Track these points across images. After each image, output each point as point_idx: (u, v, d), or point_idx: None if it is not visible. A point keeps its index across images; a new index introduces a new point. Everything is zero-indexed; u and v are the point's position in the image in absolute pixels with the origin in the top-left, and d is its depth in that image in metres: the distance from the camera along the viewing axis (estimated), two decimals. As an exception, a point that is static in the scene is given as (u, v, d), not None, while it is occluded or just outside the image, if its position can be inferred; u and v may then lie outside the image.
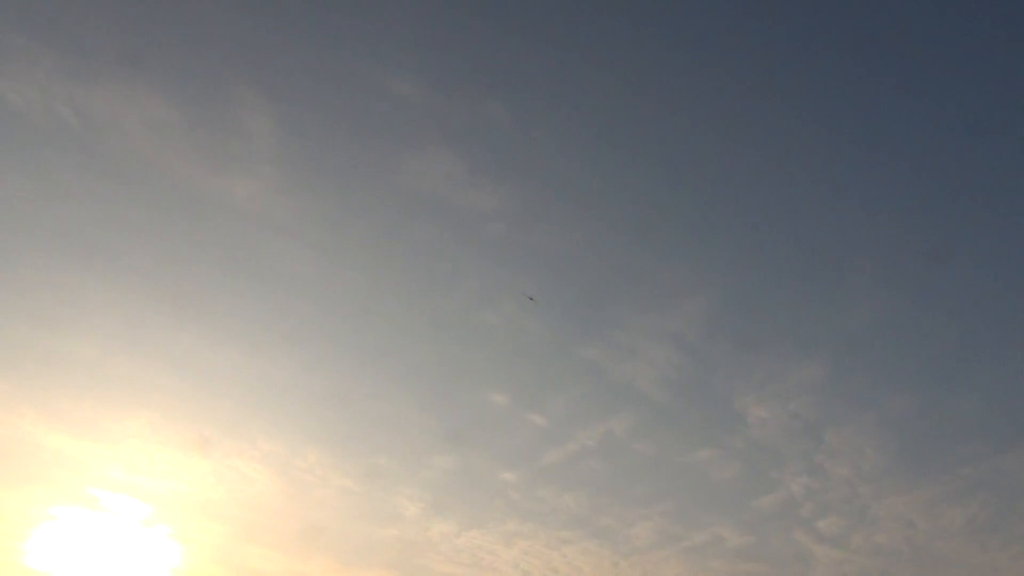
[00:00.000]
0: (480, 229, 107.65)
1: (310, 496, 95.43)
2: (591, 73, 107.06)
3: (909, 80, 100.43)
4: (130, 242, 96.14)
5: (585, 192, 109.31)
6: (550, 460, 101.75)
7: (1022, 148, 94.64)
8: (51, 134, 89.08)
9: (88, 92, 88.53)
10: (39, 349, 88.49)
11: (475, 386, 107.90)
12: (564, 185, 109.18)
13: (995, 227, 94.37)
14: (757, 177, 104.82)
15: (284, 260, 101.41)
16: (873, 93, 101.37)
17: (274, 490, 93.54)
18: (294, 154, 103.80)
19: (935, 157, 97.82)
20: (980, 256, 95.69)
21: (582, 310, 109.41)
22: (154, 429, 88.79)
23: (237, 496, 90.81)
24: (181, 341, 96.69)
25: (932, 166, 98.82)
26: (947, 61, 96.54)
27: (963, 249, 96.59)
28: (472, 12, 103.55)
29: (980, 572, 77.43)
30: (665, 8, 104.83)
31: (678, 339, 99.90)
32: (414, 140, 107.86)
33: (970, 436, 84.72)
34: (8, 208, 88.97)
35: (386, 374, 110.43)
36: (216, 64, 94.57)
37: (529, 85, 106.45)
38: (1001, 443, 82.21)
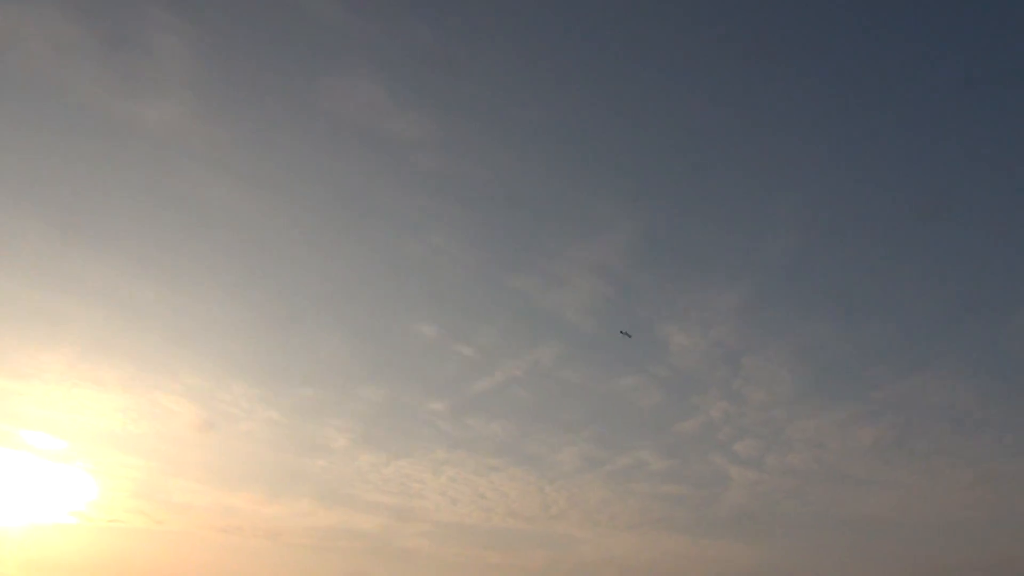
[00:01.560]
0: (406, 158, 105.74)
1: (235, 429, 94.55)
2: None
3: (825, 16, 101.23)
4: (37, 169, 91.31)
5: (514, 122, 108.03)
6: (478, 389, 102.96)
7: (930, 89, 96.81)
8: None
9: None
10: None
11: (403, 317, 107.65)
12: (493, 115, 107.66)
13: (905, 165, 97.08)
14: (681, 110, 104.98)
15: (202, 188, 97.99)
16: (795, 24, 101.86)
17: (198, 423, 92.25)
18: (209, 77, 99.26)
19: (853, 88, 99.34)
20: (889, 193, 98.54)
21: (511, 240, 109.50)
22: (70, 364, 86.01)
23: (159, 430, 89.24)
24: (97, 273, 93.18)
25: (849, 97, 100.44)
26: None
27: (875, 185, 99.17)
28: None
29: (885, 488, 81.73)
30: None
31: (604, 269, 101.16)
32: (335, 64, 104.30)
33: (878, 361, 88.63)
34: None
35: (312, 306, 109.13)
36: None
37: (454, 4, 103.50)
38: (906, 367, 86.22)
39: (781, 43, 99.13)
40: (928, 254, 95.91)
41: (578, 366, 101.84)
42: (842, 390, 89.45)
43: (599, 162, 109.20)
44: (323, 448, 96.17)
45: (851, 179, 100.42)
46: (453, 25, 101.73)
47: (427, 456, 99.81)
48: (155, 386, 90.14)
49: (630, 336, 77.67)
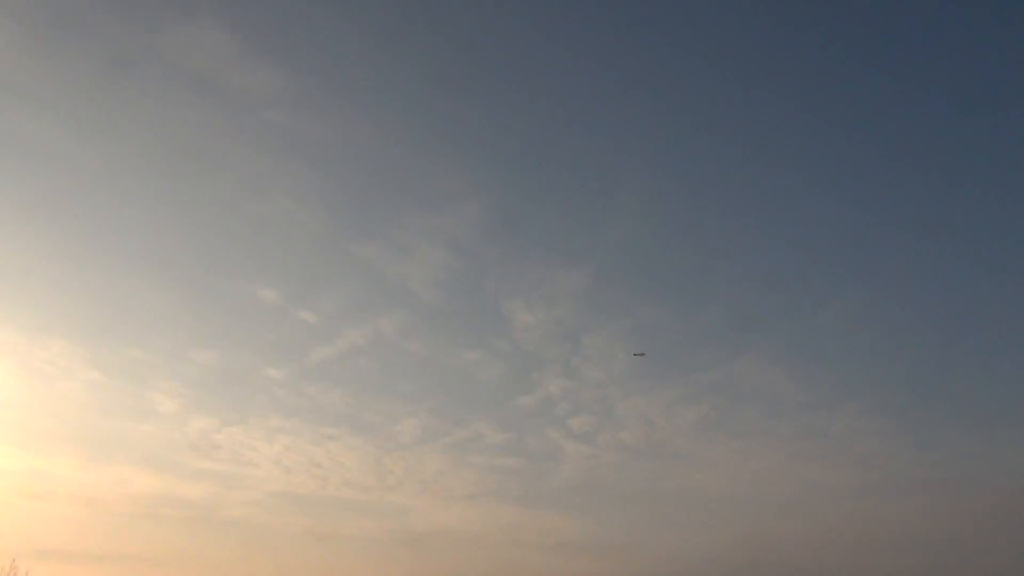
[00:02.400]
0: (254, 114, 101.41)
1: (53, 389, 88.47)
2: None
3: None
4: None
5: (369, 85, 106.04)
6: (318, 357, 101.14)
7: (765, 81, 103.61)
8: None
9: None
10: None
11: (242, 280, 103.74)
12: (350, 77, 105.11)
13: (738, 160, 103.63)
14: (534, 88, 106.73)
15: (26, 127, 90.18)
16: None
17: (11, 382, 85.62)
18: (41, 9, 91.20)
19: (696, 82, 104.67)
20: (726, 186, 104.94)
21: (360, 207, 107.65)
22: None
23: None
24: None
25: (692, 90, 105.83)
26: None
27: (713, 177, 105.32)
28: None
29: (706, 464, 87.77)
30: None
31: (453, 241, 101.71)
32: (182, 9, 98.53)
33: (706, 345, 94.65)
34: None
35: (143, 262, 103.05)
36: None
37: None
38: (730, 352, 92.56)
39: (632, 34, 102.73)
40: (753, 249, 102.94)
41: (422, 338, 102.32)
42: (672, 371, 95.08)
43: (454, 136, 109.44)
44: (150, 412, 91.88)
45: (691, 172, 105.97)
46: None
47: (261, 423, 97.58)
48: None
49: (643, 355, 78.91)
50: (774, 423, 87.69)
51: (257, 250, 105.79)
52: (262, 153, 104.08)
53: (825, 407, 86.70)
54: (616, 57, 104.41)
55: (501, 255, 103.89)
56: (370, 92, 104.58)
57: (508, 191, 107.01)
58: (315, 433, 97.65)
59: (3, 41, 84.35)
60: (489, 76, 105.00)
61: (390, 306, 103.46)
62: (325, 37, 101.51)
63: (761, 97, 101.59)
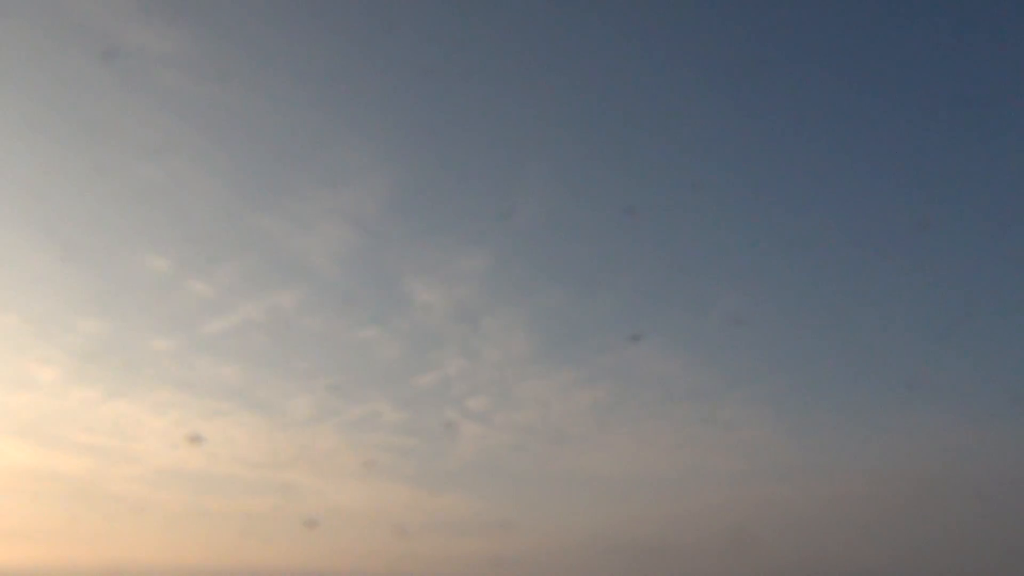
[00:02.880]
0: (148, 73, 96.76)
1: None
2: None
3: None
4: None
5: (274, 51, 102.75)
6: (211, 330, 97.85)
7: (671, 74, 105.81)
8: None
9: None
10: None
11: (131, 245, 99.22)
12: (251, 39, 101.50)
13: (647, 147, 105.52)
14: (444, 66, 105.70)
15: None
16: None
17: None
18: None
19: (607, 65, 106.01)
20: (628, 173, 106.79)
21: (259, 176, 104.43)
22: None
23: None
24: None
25: (604, 73, 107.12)
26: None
27: (615, 164, 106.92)
28: None
29: (599, 446, 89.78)
30: None
31: (355, 216, 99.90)
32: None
33: (604, 329, 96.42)
34: None
35: (22, 221, 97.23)
36: None
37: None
38: (627, 337, 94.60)
39: (545, 13, 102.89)
40: (655, 235, 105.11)
41: (320, 314, 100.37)
42: (570, 354, 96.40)
43: (361, 109, 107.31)
44: (26, 382, 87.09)
45: (596, 160, 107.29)
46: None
47: (148, 396, 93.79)
48: None
49: (639, 338, 77.79)
50: (665, 408, 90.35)
51: (147, 215, 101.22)
52: (155, 114, 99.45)
53: (713, 395, 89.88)
54: (530, 38, 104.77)
55: (404, 233, 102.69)
56: (275, 59, 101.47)
57: (414, 168, 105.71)
58: (204, 408, 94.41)
59: None
60: (398, 49, 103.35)
61: (288, 281, 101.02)
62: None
63: (668, 86, 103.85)
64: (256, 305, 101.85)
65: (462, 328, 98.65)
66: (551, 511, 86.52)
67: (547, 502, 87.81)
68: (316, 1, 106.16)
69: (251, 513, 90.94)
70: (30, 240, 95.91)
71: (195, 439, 79.81)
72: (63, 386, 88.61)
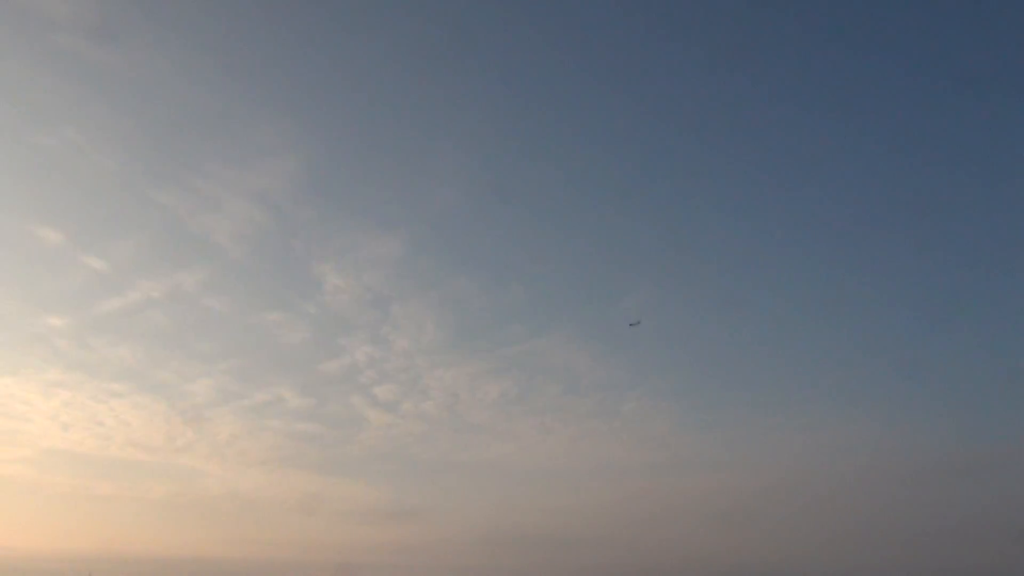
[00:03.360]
0: (43, 36, 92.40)
1: None
2: None
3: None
4: None
5: (179, 11, 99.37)
6: (107, 308, 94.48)
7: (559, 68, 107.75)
8: None
9: None
10: None
11: (22, 216, 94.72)
12: (158, 7, 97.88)
13: (564, 141, 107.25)
14: (361, 52, 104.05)
15: None
16: None
17: None
18: None
19: (516, 63, 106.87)
20: (543, 165, 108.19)
21: (162, 149, 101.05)
22: None
23: None
24: None
25: (512, 70, 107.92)
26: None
27: (532, 161, 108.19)
28: None
29: (505, 436, 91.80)
30: None
31: (265, 197, 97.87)
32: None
33: (513, 321, 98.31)
34: None
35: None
36: None
37: None
38: (535, 330, 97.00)
39: (464, 6, 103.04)
40: (567, 230, 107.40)
41: (224, 295, 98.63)
42: (479, 345, 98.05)
43: (274, 87, 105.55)
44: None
45: (510, 153, 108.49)
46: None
47: (37, 376, 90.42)
48: None
49: (639, 323, 77.75)
50: (571, 401, 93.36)
51: (39, 185, 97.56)
52: (55, 79, 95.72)
53: (617, 389, 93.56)
54: (450, 28, 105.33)
55: (315, 216, 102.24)
56: (182, 24, 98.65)
57: (327, 152, 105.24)
58: (99, 389, 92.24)
59: None
60: (317, 26, 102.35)
61: (190, 259, 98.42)
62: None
63: (589, 80, 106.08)
64: (156, 284, 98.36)
65: (372, 315, 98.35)
66: (456, 500, 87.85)
67: (452, 491, 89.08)
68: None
69: (147, 498, 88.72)
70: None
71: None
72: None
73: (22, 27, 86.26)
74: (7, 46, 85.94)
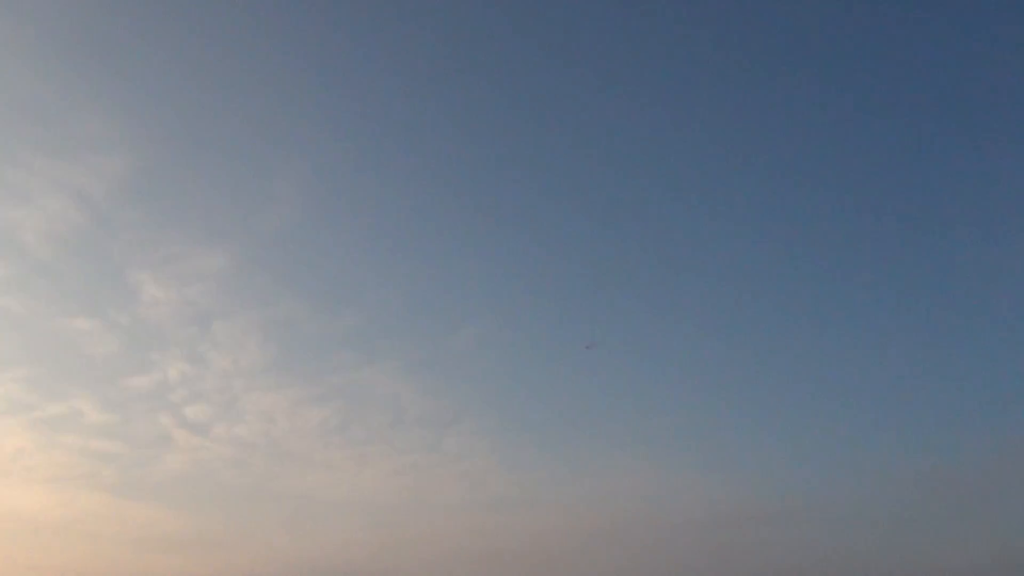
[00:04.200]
0: None
1: None
2: None
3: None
4: None
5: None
6: None
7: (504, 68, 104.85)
8: None
9: None
10: None
11: None
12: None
13: (413, 158, 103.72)
14: (203, 45, 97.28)
15: None
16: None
17: None
18: None
19: (366, 77, 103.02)
20: (381, 189, 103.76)
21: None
22: None
23: None
24: None
25: (360, 86, 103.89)
26: None
27: (373, 180, 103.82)
28: None
29: (322, 467, 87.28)
30: None
31: (82, 194, 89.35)
32: None
33: (342, 347, 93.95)
34: None
35: None
36: None
37: None
38: (364, 358, 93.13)
39: (315, 10, 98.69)
40: (402, 256, 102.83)
41: (23, 296, 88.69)
42: (303, 370, 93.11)
43: (101, 73, 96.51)
44: None
45: (352, 167, 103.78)
46: None
47: None
48: None
49: (596, 345, 70.36)
50: (394, 433, 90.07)
51: None
52: None
53: (441, 423, 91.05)
54: (302, 36, 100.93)
55: (138, 220, 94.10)
56: (12, 3, 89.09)
57: (159, 153, 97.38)
58: None
59: None
60: (163, 15, 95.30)
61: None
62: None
63: (446, 100, 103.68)
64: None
65: (190, 330, 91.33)
66: (264, 531, 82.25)
67: (261, 522, 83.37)
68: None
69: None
70: None
71: None
72: None
73: None
74: None
